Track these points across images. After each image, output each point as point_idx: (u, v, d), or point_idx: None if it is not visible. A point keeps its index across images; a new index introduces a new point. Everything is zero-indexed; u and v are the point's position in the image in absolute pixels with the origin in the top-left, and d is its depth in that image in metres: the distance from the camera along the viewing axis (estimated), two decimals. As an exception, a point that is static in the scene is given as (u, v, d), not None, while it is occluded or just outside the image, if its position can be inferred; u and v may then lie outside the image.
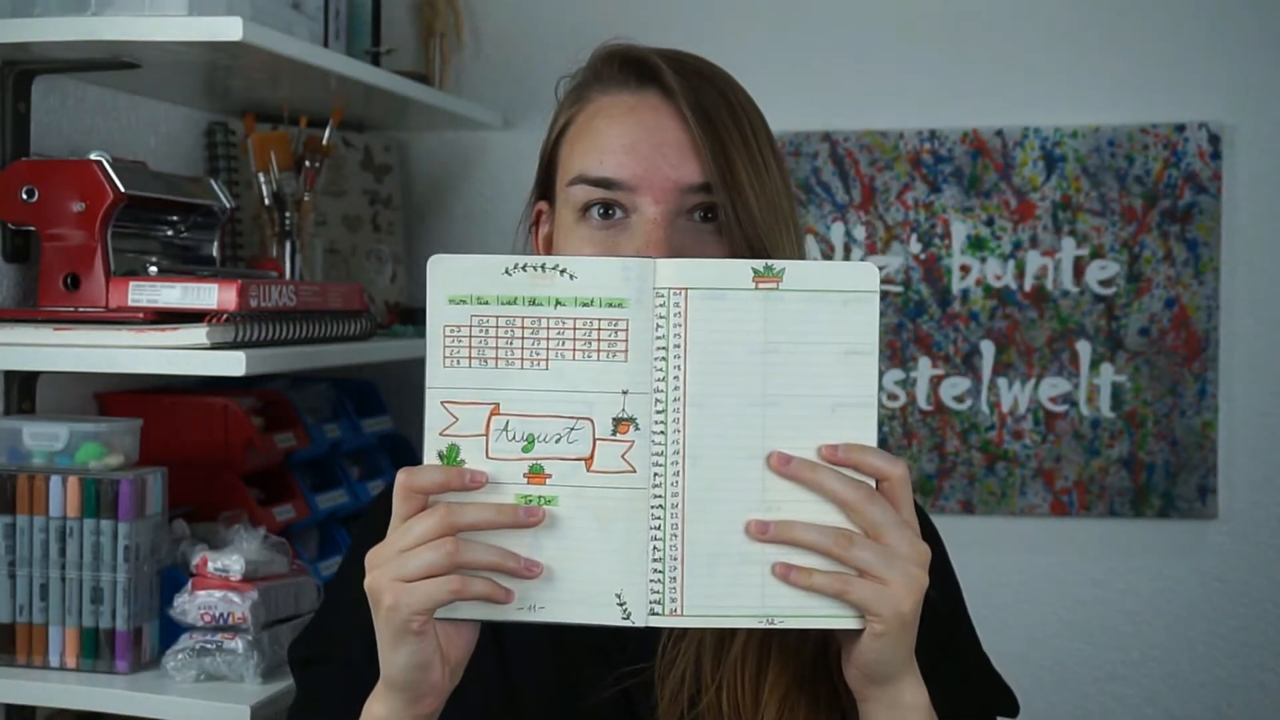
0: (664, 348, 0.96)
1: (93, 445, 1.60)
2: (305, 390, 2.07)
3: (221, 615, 1.57)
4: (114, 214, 1.61)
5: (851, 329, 0.96)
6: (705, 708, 1.08)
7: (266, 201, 1.96)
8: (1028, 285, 2.28)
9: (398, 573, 0.93)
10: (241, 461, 1.83)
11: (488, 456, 0.96)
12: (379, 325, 2.08)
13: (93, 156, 1.63)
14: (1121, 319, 2.25)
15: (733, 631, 1.09)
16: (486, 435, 0.96)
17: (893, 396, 2.31)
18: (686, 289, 0.96)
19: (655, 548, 0.95)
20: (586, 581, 0.95)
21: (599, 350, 0.96)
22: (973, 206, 2.29)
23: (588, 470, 0.96)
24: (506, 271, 0.96)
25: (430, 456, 0.96)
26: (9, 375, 1.70)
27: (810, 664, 1.08)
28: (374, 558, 0.96)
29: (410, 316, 2.25)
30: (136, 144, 1.95)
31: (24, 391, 1.72)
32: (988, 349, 2.29)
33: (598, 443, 0.96)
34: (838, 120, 2.32)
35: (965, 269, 2.29)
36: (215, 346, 1.53)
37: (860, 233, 2.31)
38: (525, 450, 0.96)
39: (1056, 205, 2.27)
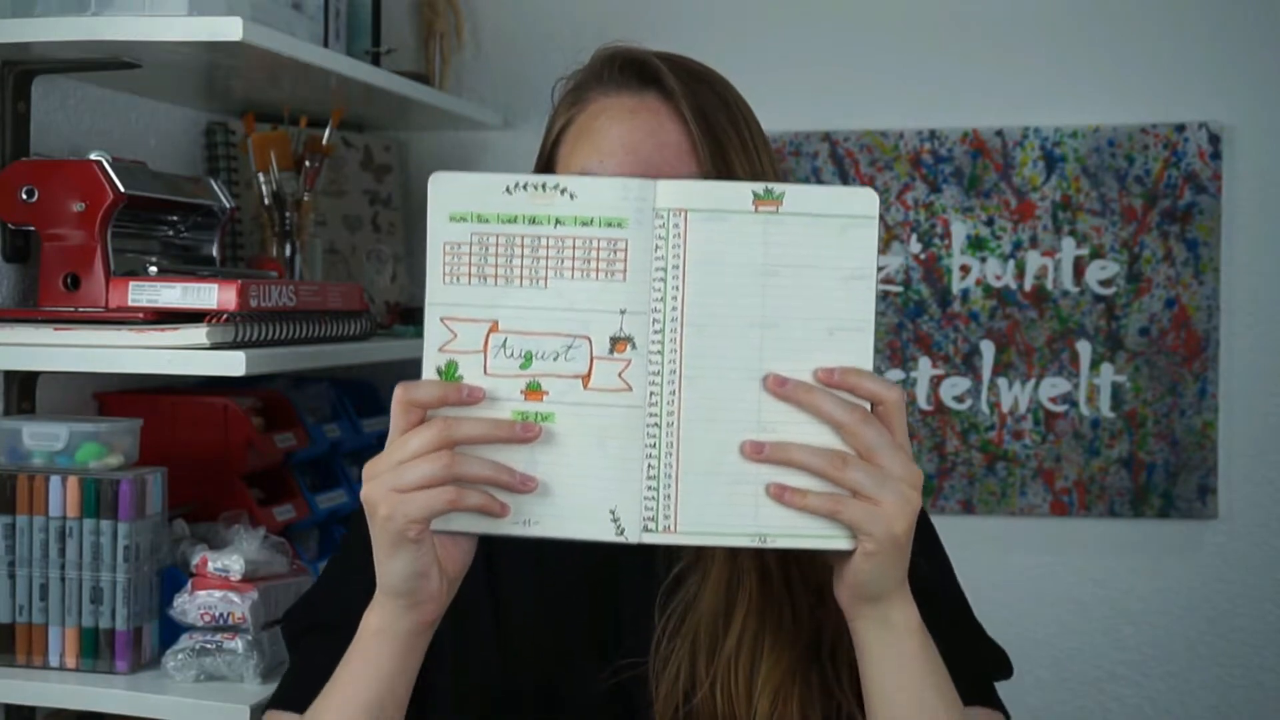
0: (663, 268, 0.96)
1: (93, 445, 1.60)
2: (305, 390, 2.07)
3: (221, 615, 1.57)
4: (114, 214, 1.61)
5: (850, 254, 0.96)
6: (700, 702, 1.09)
7: (266, 201, 1.96)
8: (1028, 285, 2.28)
9: (394, 483, 0.94)
10: (241, 461, 1.83)
11: (486, 373, 0.96)
12: (379, 325, 2.08)
13: (93, 156, 1.63)
14: (1121, 319, 2.25)
15: (726, 627, 1.10)
16: (485, 352, 0.97)
17: (893, 396, 2.31)
18: (686, 210, 0.96)
19: (650, 466, 0.96)
20: (581, 497, 0.96)
21: (598, 269, 0.96)
22: (973, 206, 2.29)
23: (585, 388, 0.96)
24: (507, 190, 0.97)
25: (429, 372, 0.97)
26: (9, 375, 1.70)
27: (803, 658, 1.09)
28: (370, 469, 0.97)
29: (410, 316, 2.25)
30: (136, 144, 1.95)
31: (24, 391, 1.72)
32: (988, 349, 2.29)
33: (595, 361, 0.96)
34: (838, 120, 2.32)
35: (965, 269, 2.29)
36: (215, 346, 1.53)
37: (860, 233, 2.31)
38: (523, 367, 0.96)
39: (1056, 205, 2.27)
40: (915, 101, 2.30)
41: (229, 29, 1.55)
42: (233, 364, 1.52)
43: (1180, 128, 2.23)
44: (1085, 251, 2.26)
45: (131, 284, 1.58)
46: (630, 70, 1.15)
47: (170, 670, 1.57)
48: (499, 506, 0.95)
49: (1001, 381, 2.29)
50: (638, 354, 0.96)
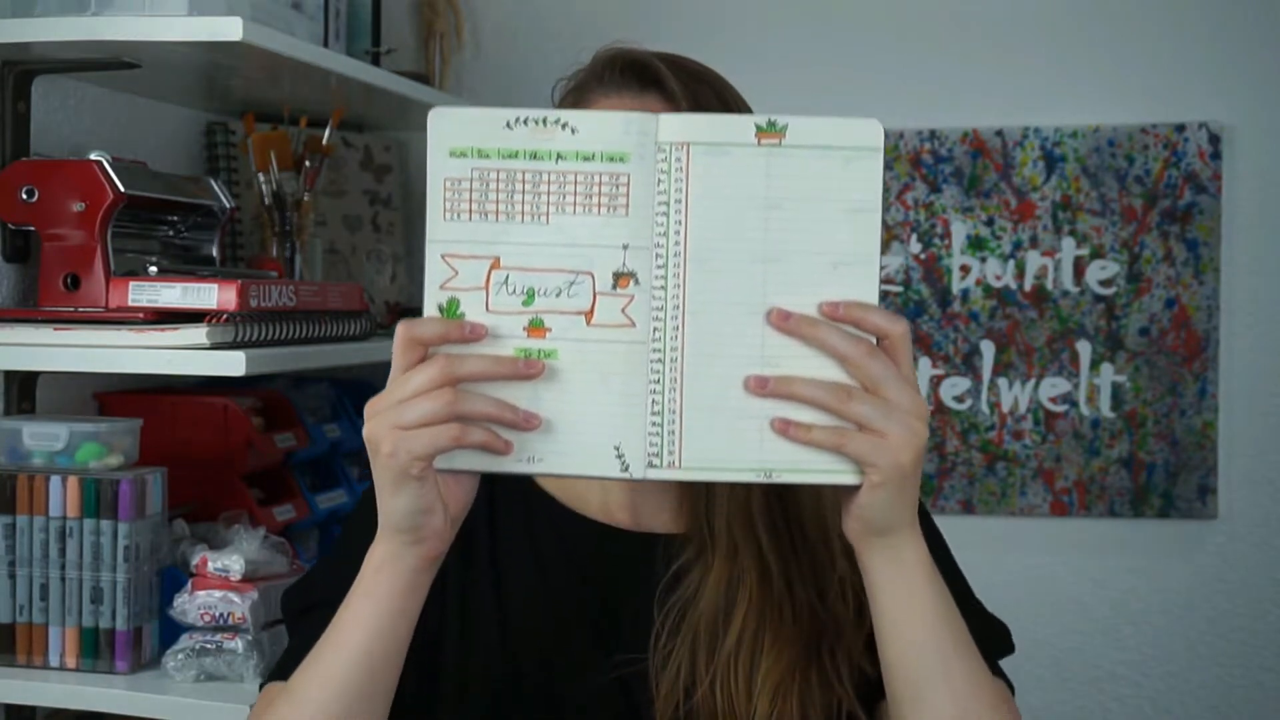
0: (665, 203, 0.95)
1: (93, 445, 1.60)
2: (305, 390, 2.07)
3: (221, 615, 1.57)
4: (114, 214, 1.61)
5: (855, 186, 0.95)
6: (700, 700, 1.09)
7: (266, 201, 1.96)
8: (1028, 285, 2.28)
9: (396, 420, 0.94)
10: (241, 461, 1.83)
11: (488, 310, 0.95)
12: (379, 325, 2.08)
13: (93, 156, 1.63)
14: (1121, 319, 2.25)
15: (726, 625, 1.10)
16: (486, 289, 0.96)
17: (893, 396, 2.31)
18: (688, 144, 0.95)
19: (654, 401, 0.95)
20: (585, 434, 0.95)
21: (600, 205, 0.95)
22: (973, 206, 2.29)
23: (588, 324, 0.95)
24: (508, 125, 0.95)
25: (430, 309, 0.96)
26: (9, 375, 1.70)
27: (803, 655, 1.09)
28: (372, 407, 0.96)
29: (410, 317, 2.24)
30: (136, 144, 1.95)
31: (24, 391, 1.72)
32: (988, 349, 2.29)
33: (598, 297, 0.95)
34: (838, 120, 2.32)
35: (965, 269, 2.29)
36: (215, 346, 1.53)
37: (860, 233, 2.31)
38: (525, 304, 0.95)
39: (1056, 205, 2.27)
40: (915, 101, 2.30)
41: (229, 29, 1.55)
42: (233, 364, 1.52)
43: (1180, 128, 2.23)
44: (1085, 251, 2.26)
45: (131, 284, 1.58)
46: (631, 72, 1.16)
47: (170, 670, 1.57)
48: (502, 444, 0.94)
49: (1001, 381, 2.29)
50: (640, 289, 0.95)
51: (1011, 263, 2.28)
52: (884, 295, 2.31)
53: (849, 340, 0.94)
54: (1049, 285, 2.27)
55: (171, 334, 1.53)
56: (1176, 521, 2.25)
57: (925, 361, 2.30)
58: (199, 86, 1.98)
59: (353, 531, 1.16)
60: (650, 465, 0.95)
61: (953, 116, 2.29)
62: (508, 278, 0.95)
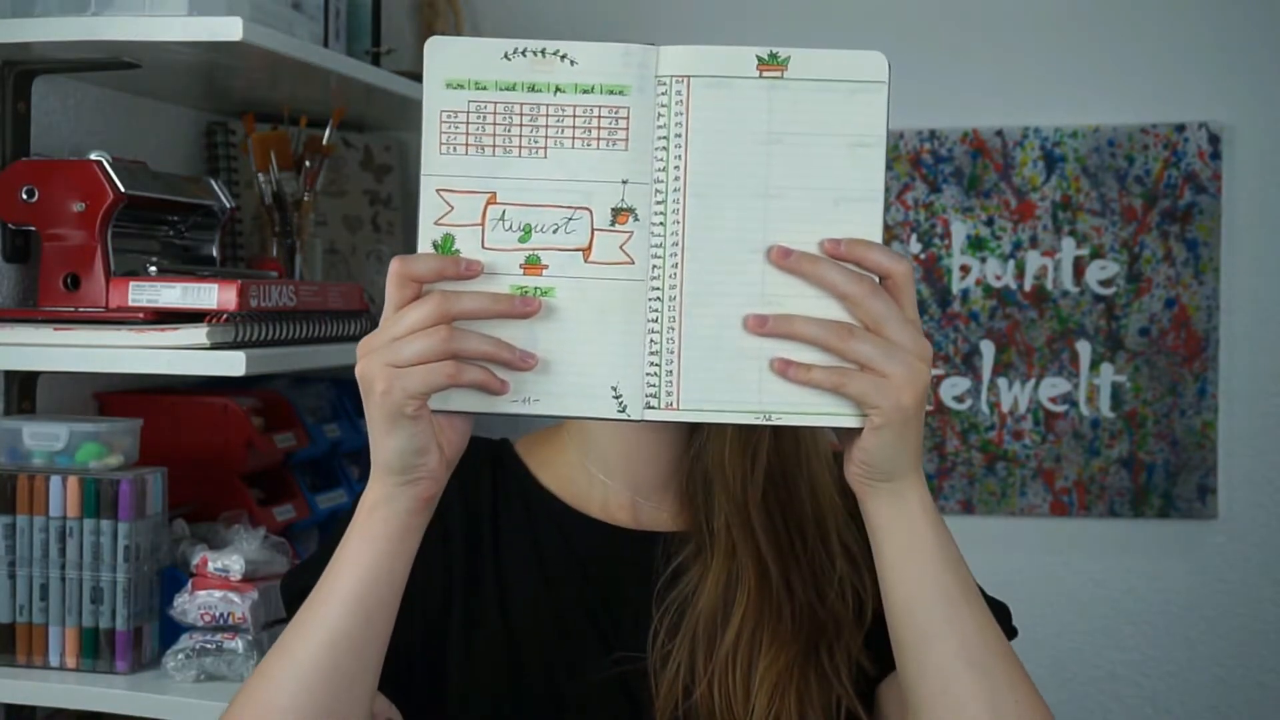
0: (665, 137, 0.93)
1: (93, 445, 1.60)
2: (305, 390, 2.07)
3: (221, 615, 1.57)
4: (114, 214, 1.61)
5: (859, 120, 0.93)
6: (699, 698, 1.09)
7: (266, 201, 1.96)
8: (1028, 285, 2.28)
9: (391, 358, 0.92)
10: (241, 461, 1.83)
11: (484, 246, 0.94)
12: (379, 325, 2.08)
13: (93, 156, 1.63)
14: (1121, 319, 2.25)
15: (724, 624, 1.09)
16: (483, 225, 0.94)
17: (893, 396, 2.31)
18: (689, 77, 0.93)
19: (652, 341, 0.94)
20: (582, 374, 0.94)
21: (599, 139, 0.94)
22: (973, 206, 2.29)
23: (585, 261, 0.93)
24: (506, 56, 0.94)
25: (425, 245, 0.95)
26: (9, 375, 1.70)
27: (802, 654, 1.09)
28: (365, 345, 0.94)
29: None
30: (136, 144, 1.95)
31: (24, 391, 1.72)
32: (988, 349, 2.29)
33: (596, 233, 0.94)
34: (838, 120, 2.32)
35: (965, 269, 2.29)
36: (215, 346, 1.53)
37: (860, 233, 2.31)
38: (522, 240, 0.94)
39: (1056, 205, 2.27)
40: (915, 101, 2.30)
41: (229, 29, 1.55)
42: (233, 364, 1.52)
43: (1180, 128, 2.23)
44: (1085, 251, 2.26)
45: (131, 284, 1.58)
46: None
47: (170, 670, 1.57)
48: (498, 383, 0.93)
49: (1001, 381, 2.29)
50: (640, 225, 0.93)
51: (1011, 263, 2.28)
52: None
53: (851, 278, 0.92)
54: (1049, 285, 2.27)
55: (171, 334, 1.53)
56: (1176, 521, 2.25)
57: (925, 361, 2.31)
58: (199, 86, 1.98)
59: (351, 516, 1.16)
60: (648, 406, 0.94)
61: (953, 116, 2.29)
62: (504, 213, 0.94)
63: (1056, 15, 2.28)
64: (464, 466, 1.09)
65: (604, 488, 1.18)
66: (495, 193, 0.94)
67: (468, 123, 0.95)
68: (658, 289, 0.94)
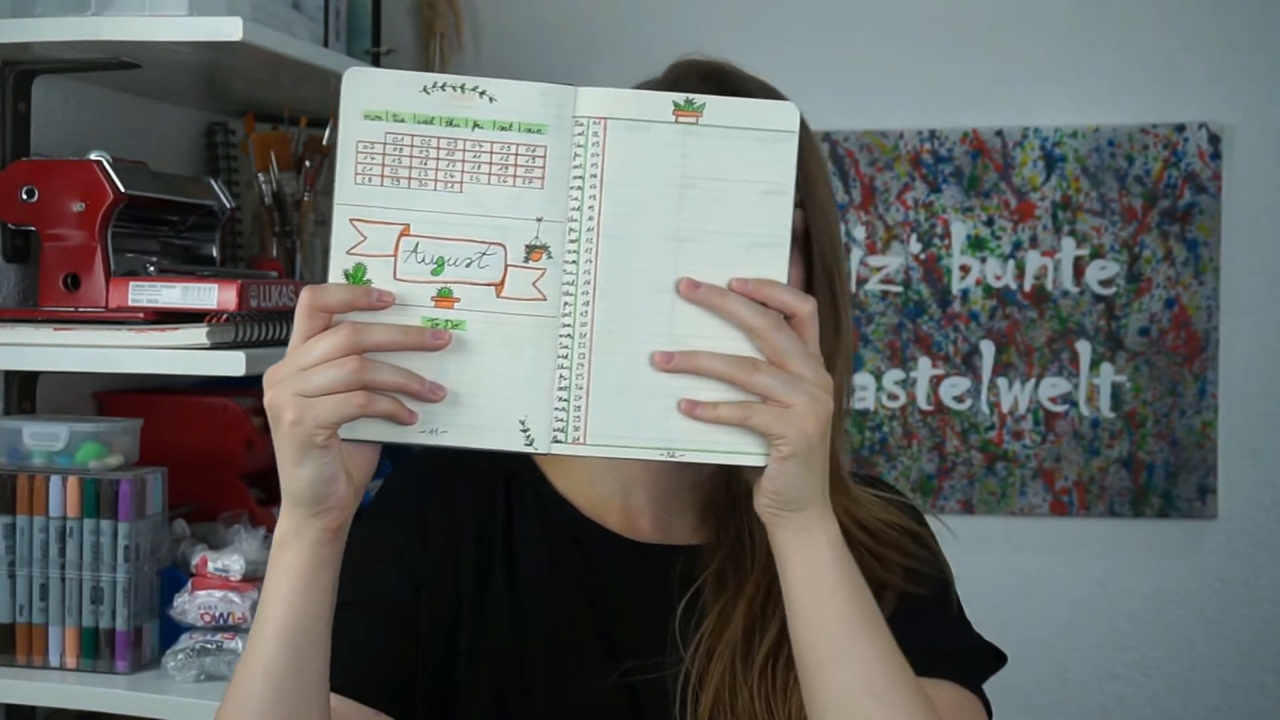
0: (580, 177, 0.94)
1: (93, 445, 1.60)
2: (305, 390, 2.07)
3: (221, 615, 1.57)
4: (114, 214, 1.61)
5: (769, 169, 0.95)
6: (740, 712, 1.08)
7: (266, 201, 1.96)
8: (1028, 285, 2.28)
9: (300, 388, 0.92)
10: (241, 461, 1.83)
11: (396, 277, 0.94)
12: (379, 325, 2.08)
13: (93, 156, 1.63)
14: (1121, 319, 2.25)
15: (762, 637, 1.09)
16: (395, 256, 0.94)
17: (893, 396, 2.32)
18: (606, 119, 0.94)
19: (561, 376, 0.95)
20: (491, 407, 0.94)
21: (515, 176, 0.94)
22: (973, 206, 2.29)
23: (498, 296, 0.94)
24: (425, 90, 0.94)
25: (336, 274, 0.94)
26: (9, 375, 1.70)
27: None
28: (272, 375, 0.94)
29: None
30: (136, 144, 1.95)
31: (24, 391, 1.72)
32: (988, 349, 2.29)
33: (509, 269, 0.94)
34: (838, 120, 2.32)
35: (965, 269, 2.29)
36: (215, 346, 1.53)
37: (860, 233, 2.31)
38: (435, 273, 0.94)
39: (1056, 205, 2.27)
40: (915, 101, 2.31)
41: (229, 29, 1.55)
42: (233, 364, 1.52)
43: (1180, 128, 2.23)
44: (1085, 251, 2.26)
45: (131, 284, 1.58)
46: (710, 84, 1.13)
47: (170, 670, 1.57)
48: (408, 414, 0.93)
49: (1001, 381, 2.29)
50: (553, 263, 0.94)
51: (1011, 263, 2.28)
52: (884, 294, 2.31)
53: (756, 311, 0.94)
54: (1049, 285, 2.27)
55: (171, 334, 1.53)
56: (1176, 521, 2.25)
57: (925, 361, 2.31)
58: (199, 86, 1.98)
59: (354, 528, 1.16)
60: (555, 440, 0.95)
61: (953, 116, 2.30)
62: (417, 245, 0.94)
63: (1056, 15, 2.28)
64: (477, 473, 1.09)
65: (624, 496, 1.17)
66: (409, 224, 0.94)
67: (384, 154, 0.94)
68: (569, 325, 0.95)
